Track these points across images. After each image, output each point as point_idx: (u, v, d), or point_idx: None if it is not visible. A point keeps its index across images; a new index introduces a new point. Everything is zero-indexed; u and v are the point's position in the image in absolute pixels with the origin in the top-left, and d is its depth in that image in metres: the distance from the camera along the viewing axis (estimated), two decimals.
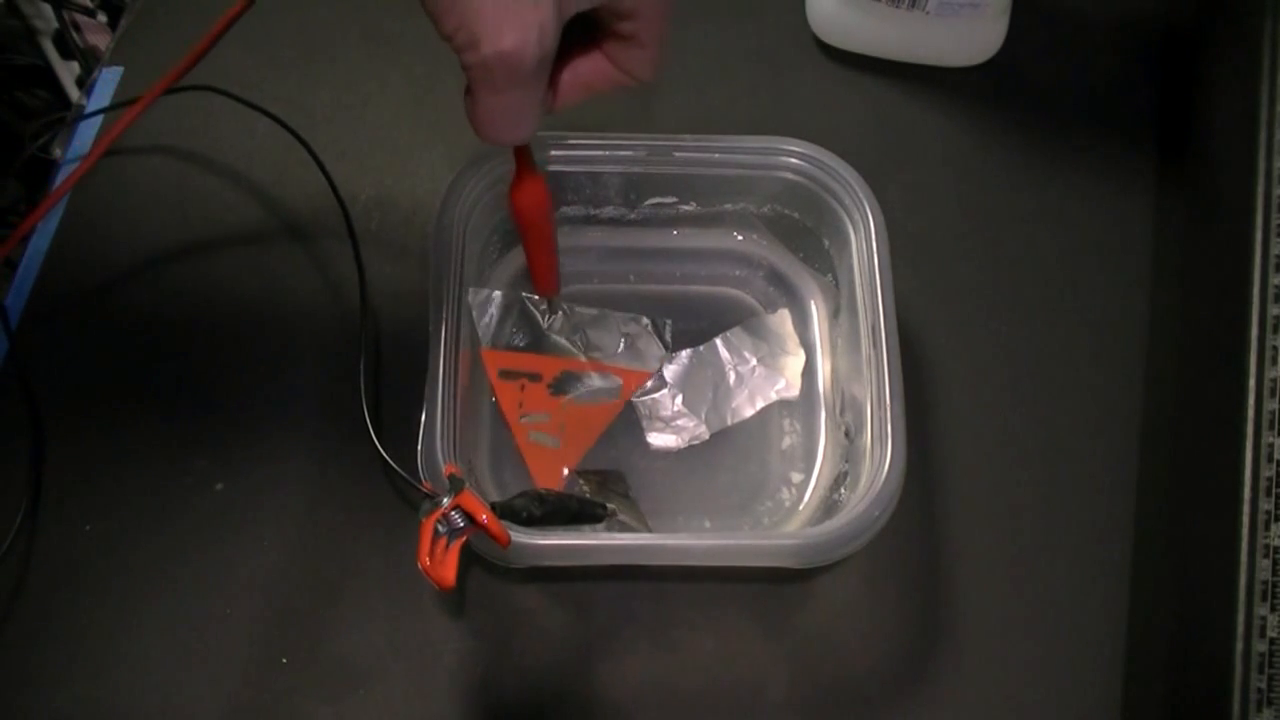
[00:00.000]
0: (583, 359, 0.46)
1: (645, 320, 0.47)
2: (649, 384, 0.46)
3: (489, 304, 0.46)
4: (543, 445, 0.44)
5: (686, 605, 0.42)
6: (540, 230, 0.41)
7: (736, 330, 0.47)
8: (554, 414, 0.45)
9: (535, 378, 0.46)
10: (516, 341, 0.47)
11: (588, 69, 0.34)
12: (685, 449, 0.45)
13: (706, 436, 0.45)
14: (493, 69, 0.30)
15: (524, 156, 0.38)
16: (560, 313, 0.46)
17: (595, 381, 0.46)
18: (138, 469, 0.44)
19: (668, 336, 0.47)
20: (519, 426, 0.45)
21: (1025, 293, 0.49)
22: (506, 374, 0.46)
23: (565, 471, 0.44)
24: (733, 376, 0.46)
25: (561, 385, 0.46)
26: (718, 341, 0.47)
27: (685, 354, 0.47)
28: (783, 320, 0.47)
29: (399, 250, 0.49)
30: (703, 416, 0.46)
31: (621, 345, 0.47)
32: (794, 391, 0.46)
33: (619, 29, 0.32)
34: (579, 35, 0.33)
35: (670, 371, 0.46)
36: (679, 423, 0.45)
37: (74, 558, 0.42)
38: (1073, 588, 0.43)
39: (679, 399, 0.46)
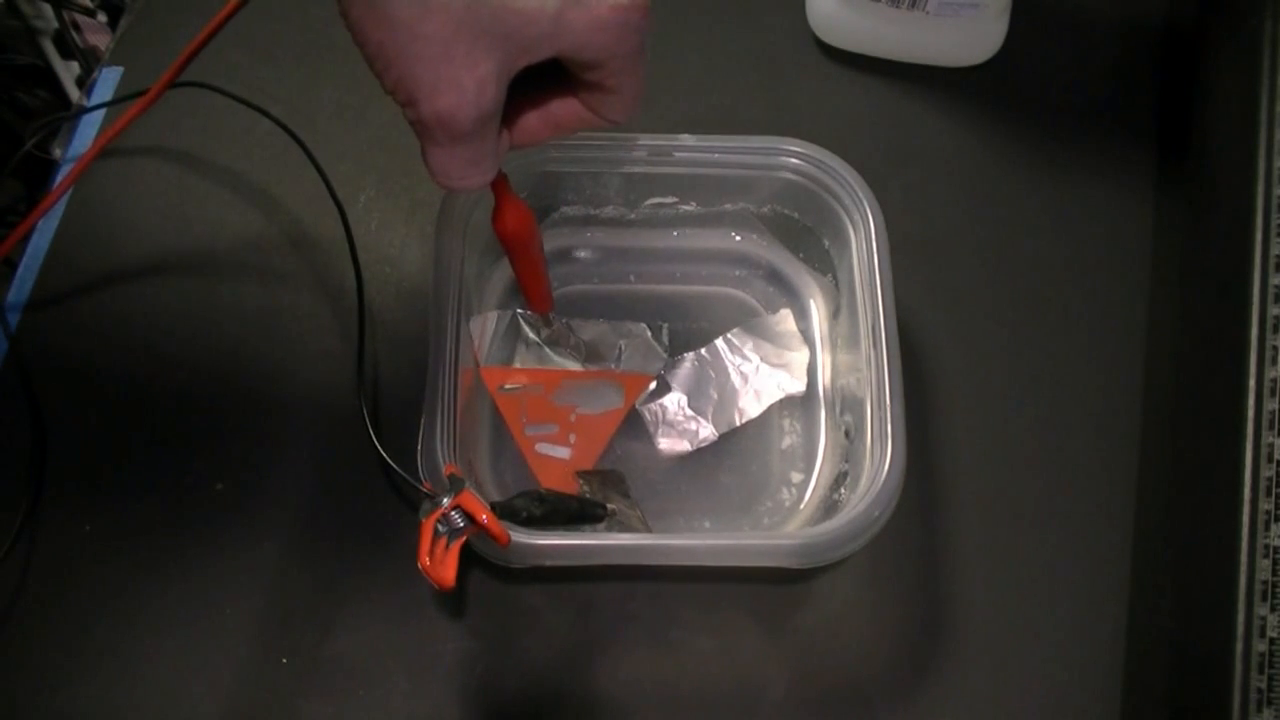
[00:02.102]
0: (582, 368, 0.46)
1: (642, 326, 0.47)
2: (653, 388, 0.46)
3: (485, 324, 0.46)
4: (552, 456, 0.44)
5: (686, 605, 0.42)
6: (527, 254, 0.41)
7: (738, 330, 0.47)
8: (561, 424, 0.45)
9: (536, 390, 0.46)
10: (515, 358, 0.47)
11: (561, 112, 0.34)
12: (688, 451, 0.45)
13: (715, 438, 0.45)
14: (431, 128, 0.30)
15: (501, 186, 0.38)
16: (556, 325, 0.46)
17: (597, 389, 0.46)
18: (138, 469, 0.44)
19: (665, 339, 0.47)
20: (525, 439, 0.45)
21: (1025, 292, 0.49)
22: (507, 389, 0.46)
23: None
24: (737, 377, 0.46)
25: (563, 395, 0.46)
26: (719, 343, 0.47)
27: (688, 357, 0.47)
28: (784, 319, 0.47)
29: (399, 250, 0.49)
30: (709, 418, 0.46)
31: (620, 352, 0.47)
32: (800, 386, 0.46)
33: (586, 78, 0.32)
34: (548, 78, 0.33)
35: (674, 376, 0.46)
36: (687, 426, 0.45)
37: (74, 558, 0.42)
38: (1073, 588, 0.43)
39: (685, 403, 0.46)
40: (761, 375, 0.46)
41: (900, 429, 0.38)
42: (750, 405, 0.46)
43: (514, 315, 0.47)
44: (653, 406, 0.46)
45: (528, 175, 0.44)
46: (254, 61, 0.53)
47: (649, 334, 0.47)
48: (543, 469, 0.44)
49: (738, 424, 0.45)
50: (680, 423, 0.46)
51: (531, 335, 0.47)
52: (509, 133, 0.34)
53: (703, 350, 0.47)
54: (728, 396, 0.46)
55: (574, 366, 0.46)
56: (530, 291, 0.43)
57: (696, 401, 0.46)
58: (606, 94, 0.33)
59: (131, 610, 0.41)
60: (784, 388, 0.46)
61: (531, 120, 0.34)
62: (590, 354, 0.47)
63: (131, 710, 0.40)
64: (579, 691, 0.41)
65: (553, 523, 0.39)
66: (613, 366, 0.47)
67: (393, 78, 0.29)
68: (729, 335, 0.47)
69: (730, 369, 0.47)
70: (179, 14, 0.54)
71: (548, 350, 0.47)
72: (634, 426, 0.46)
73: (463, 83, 0.28)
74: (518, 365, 0.46)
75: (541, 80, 0.33)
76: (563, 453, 0.45)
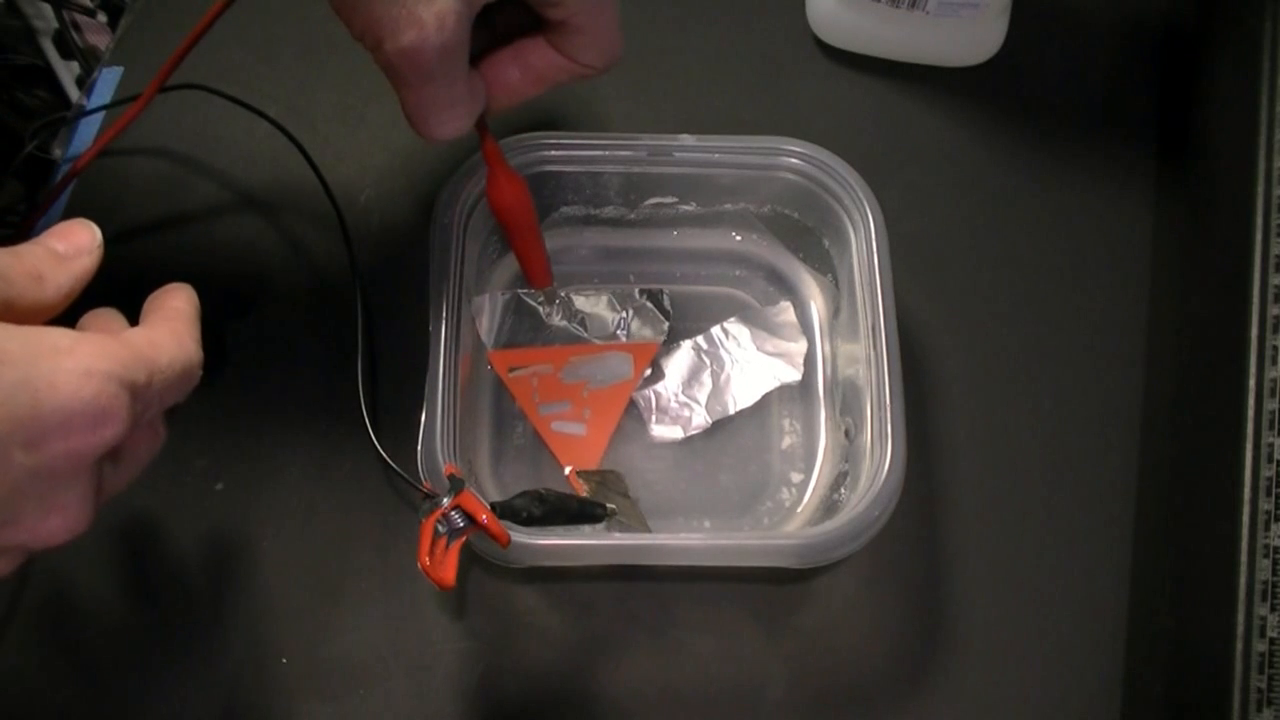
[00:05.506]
0: (589, 342, 0.47)
1: (643, 292, 0.47)
2: (648, 373, 0.46)
3: (487, 307, 0.46)
4: (569, 434, 0.45)
5: (686, 605, 0.42)
6: (523, 226, 0.41)
7: (735, 320, 0.47)
8: (574, 402, 0.45)
9: (546, 370, 0.46)
10: (520, 339, 0.47)
11: (538, 61, 0.35)
12: (686, 447, 0.45)
13: (709, 424, 0.45)
14: (398, 66, 0.31)
15: (494, 157, 0.38)
16: (558, 302, 0.46)
17: (605, 362, 0.46)
18: None
19: (666, 304, 0.47)
20: (540, 419, 0.45)
21: (1025, 292, 0.49)
22: (516, 370, 0.46)
23: (599, 455, 0.45)
24: (733, 364, 0.46)
25: (572, 372, 0.46)
26: (716, 331, 0.47)
27: (685, 344, 0.47)
28: (784, 311, 0.47)
29: (399, 250, 0.49)
30: (704, 405, 0.46)
31: (623, 321, 0.47)
32: (796, 375, 0.46)
33: (550, 16, 0.33)
34: (522, 26, 0.33)
35: (670, 362, 0.47)
36: (680, 413, 0.46)
37: (75, 558, 0.42)
38: (1073, 588, 0.43)
39: (679, 389, 0.46)
40: (757, 364, 0.46)
41: (900, 429, 0.38)
42: (745, 393, 0.46)
43: (514, 295, 0.47)
44: (646, 393, 0.46)
45: (528, 175, 0.44)
46: (255, 62, 0.53)
47: (650, 300, 0.47)
48: (561, 447, 0.44)
49: (731, 412, 0.45)
50: (674, 409, 0.46)
51: (536, 312, 0.47)
52: (488, 85, 0.35)
53: (699, 338, 0.47)
54: (723, 384, 0.46)
55: (579, 342, 0.47)
56: (529, 266, 0.43)
57: (691, 388, 0.46)
58: (575, 34, 0.33)
59: (131, 610, 0.41)
60: (779, 377, 0.46)
61: (510, 72, 0.35)
62: (593, 327, 0.47)
63: (131, 711, 0.40)
64: (579, 691, 0.41)
65: (553, 523, 0.39)
66: (618, 337, 0.47)
67: (360, 23, 0.30)
68: (726, 324, 0.47)
69: (726, 357, 0.47)
70: (179, 14, 0.54)
71: (550, 329, 0.47)
72: (636, 421, 0.46)
73: (422, 18, 0.29)
74: (523, 347, 0.46)
75: (514, 34, 0.34)
76: (578, 429, 0.45)
